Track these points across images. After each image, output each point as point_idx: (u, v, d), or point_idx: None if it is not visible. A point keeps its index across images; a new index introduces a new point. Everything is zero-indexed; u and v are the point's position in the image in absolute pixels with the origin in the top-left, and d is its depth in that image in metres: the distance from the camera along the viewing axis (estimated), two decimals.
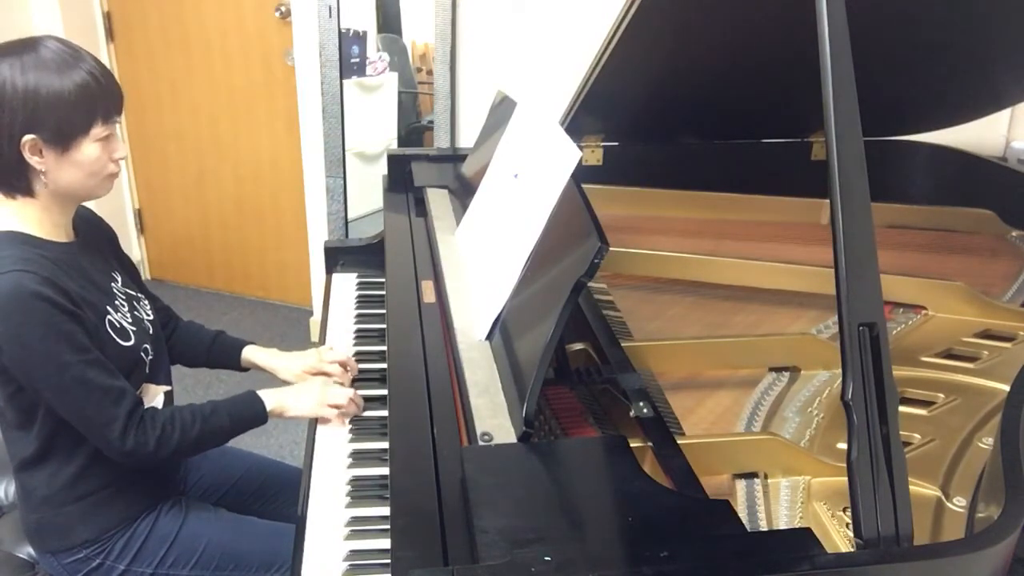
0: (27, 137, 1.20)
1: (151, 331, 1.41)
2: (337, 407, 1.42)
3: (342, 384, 1.49)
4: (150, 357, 1.38)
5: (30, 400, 1.27)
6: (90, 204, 1.42)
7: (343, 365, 1.54)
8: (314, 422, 1.43)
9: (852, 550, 0.91)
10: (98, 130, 1.24)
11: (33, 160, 1.22)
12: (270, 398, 1.39)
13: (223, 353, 1.61)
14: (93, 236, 1.42)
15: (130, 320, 1.36)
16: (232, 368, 1.64)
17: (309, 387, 1.45)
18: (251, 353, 1.61)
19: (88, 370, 1.22)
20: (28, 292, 1.18)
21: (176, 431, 1.29)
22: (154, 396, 1.40)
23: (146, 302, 1.46)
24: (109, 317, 1.31)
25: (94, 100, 1.22)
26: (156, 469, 1.40)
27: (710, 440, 1.16)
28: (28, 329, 1.18)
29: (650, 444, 1.10)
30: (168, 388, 1.45)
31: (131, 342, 1.34)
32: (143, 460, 1.28)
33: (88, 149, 1.24)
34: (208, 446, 1.37)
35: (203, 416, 1.33)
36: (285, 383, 1.58)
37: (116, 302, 1.35)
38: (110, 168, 1.28)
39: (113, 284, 1.38)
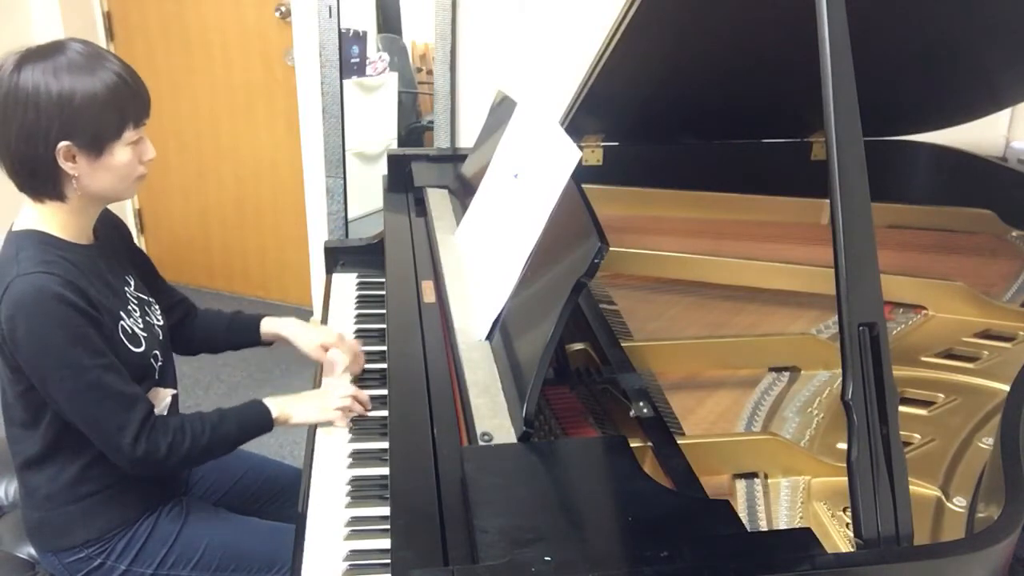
0: (62, 144, 1.19)
1: (161, 336, 1.42)
2: (342, 410, 1.42)
3: (349, 370, 1.50)
4: (160, 363, 1.39)
5: (39, 399, 1.27)
6: None
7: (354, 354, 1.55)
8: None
9: (852, 550, 0.91)
10: (130, 134, 1.24)
11: (67, 166, 1.21)
12: (275, 406, 1.40)
13: (242, 331, 1.62)
14: (111, 238, 1.42)
15: (141, 326, 1.36)
16: (254, 344, 1.64)
17: (312, 394, 1.45)
18: (269, 324, 1.61)
19: (104, 375, 1.22)
20: (50, 294, 1.18)
21: (187, 438, 1.29)
22: (162, 400, 1.40)
23: (156, 306, 1.46)
24: (122, 323, 1.31)
25: (125, 102, 1.22)
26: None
27: (710, 440, 1.16)
28: (48, 331, 1.19)
29: (650, 444, 1.10)
30: (175, 392, 1.45)
31: (142, 348, 1.34)
32: (152, 467, 1.28)
33: (120, 153, 1.24)
34: (216, 455, 1.38)
35: (212, 424, 1.33)
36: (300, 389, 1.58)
37: (129, 307, 1.36)
38: (139, 171, 1.28)
39: (126, 288, 1.39)
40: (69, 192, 1.25)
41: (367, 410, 1.45)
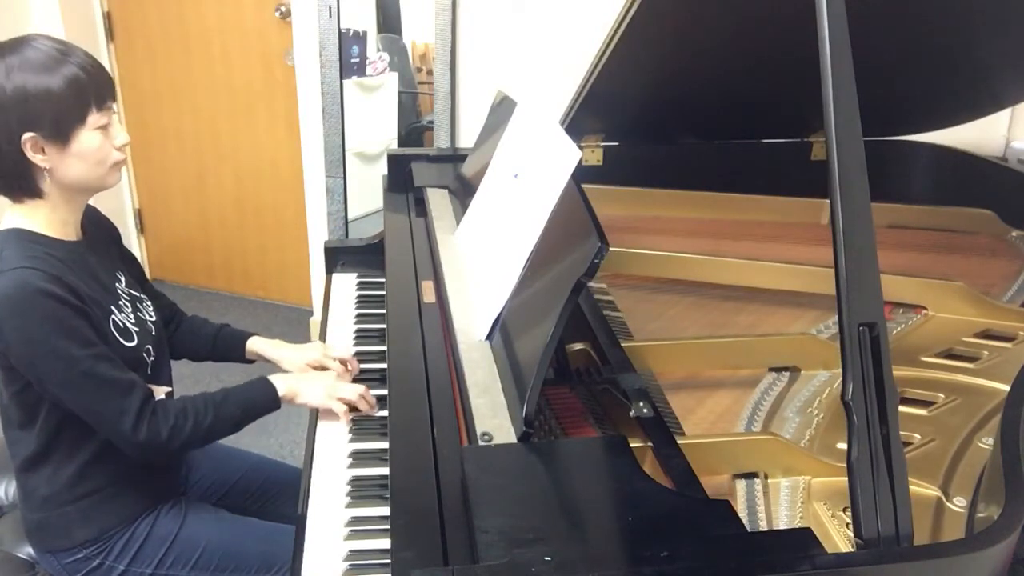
0: (26, 135, 1.20)
1: (153, 332, 1.41)
2: (346, 402, 1.41)
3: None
4: (152, 359, 1.38)
5: (35, 398, 1.27)
6: (92, 203, 1.42)
7: (343, 363, 1.54)
8: (315, 421, 1.43)
9: (852, 550, 0.91)
10: (94, 118, 1.24)
11: (37, 158, 1.22)
12: (282, 383, 1.39)
13: (227, 345, 1.62)
14: (99, 235, 1.42)
15: (133, 321, 1.36)
16: (237, 360, 1.64)
17: (321, 376, 1.44)
18: (255, 344, 1.61)
19: (97, 364, 1.22)
20: (33, 289, 1.18)
21: (189, 420, 1.29)
22: (156, 397, 1.40)
23: (149, 303, 1.46)
24: (113, 317, 1.31)
25: (84, 89, 1.22)
26: (157, 468, 1.40)
27: (710, 440, 1.16)
28: (35, 326, 1.19)
29: (650, 444, 1.10)
30: (169, 389, 1.45)
31: (134, 343, 1.34)
32: (156, 452, 1.28)
33: (88, 139, 1.24)
34: (220, 435, 1.36)
35: (215, 404, 1.33)
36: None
37: (120, 302, 1.36)
38: (115, 156, 1.28)
39: (117, 284, 1.39)
40: (45, 187, 1.25)
41: (373, 411, 1.44)
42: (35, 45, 1.21)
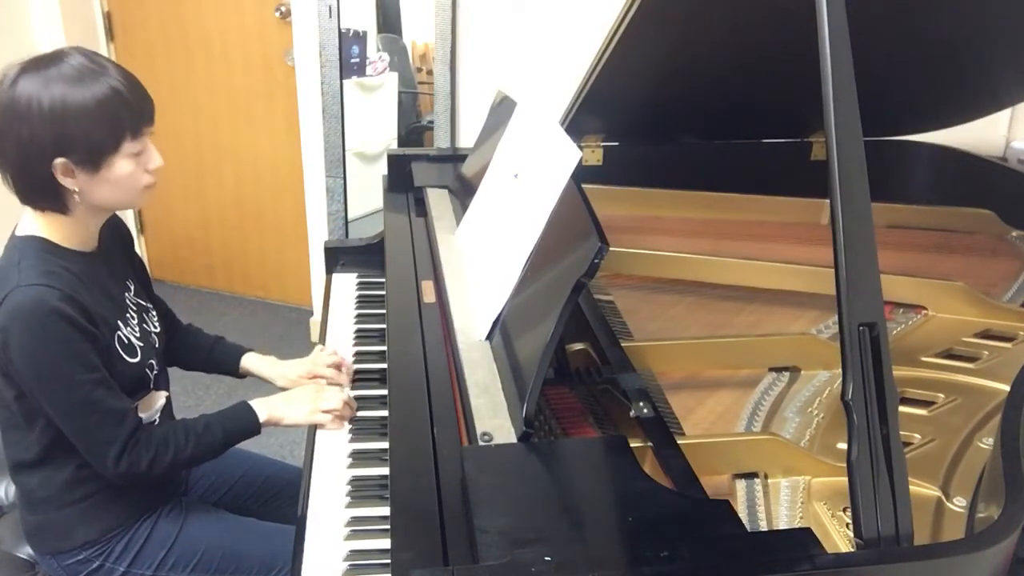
0: (58, 160, 1.18)
1: (157, 345, 1.41)
2: (331, 412, 1.41)
3: (339, 384, 1.49)
4: (155, 372, 1.38)
5: (33, 404, 1.27)
6: None
7: (337, 367, 1.54)
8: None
9: (852, 550, 0.91)
10: (128, 146, 1.21)
11: (66, 181, 1.20)
12: (263, 409, 1.39)
13: (222, 359, 1.61)
14: (113, 243, 1.41)
15: (138, 334, 1.36)
16: (230, 374, 1.64)
17: (301, 394, 1.44)
18: (249, 362, 1.61)
19: (96, 390, 1.22)
20: (48, 308, 1.17)
21: (169, 452, 1.29)
22: (155, 403, 1.40)
23: (153, 313, 1.45)
24: (119, 333, 1.31)
25: (120, 114, 1.19)
26: None
27: (710, 440, 1.16)
28: (44, 345, 1.18)
29: (650, 444, 1.10)
30: (167, 394, 1.45)
31: (138, 358, 1.33)
32: (134, 480, 1.28)
33: (120, 166, 1.21)
34: (200, 462, 1.38)
35: (196, 434, 1.33)
36: (283, 390, 1.58)
37: (127, 314, 1.35)
38: (145, 180, 1.26)
39: (126, 294, 1.38)
40: (71, 205, 1.24)
41: (354, 412, 1.44)
42: (70, 61, 1.18)
